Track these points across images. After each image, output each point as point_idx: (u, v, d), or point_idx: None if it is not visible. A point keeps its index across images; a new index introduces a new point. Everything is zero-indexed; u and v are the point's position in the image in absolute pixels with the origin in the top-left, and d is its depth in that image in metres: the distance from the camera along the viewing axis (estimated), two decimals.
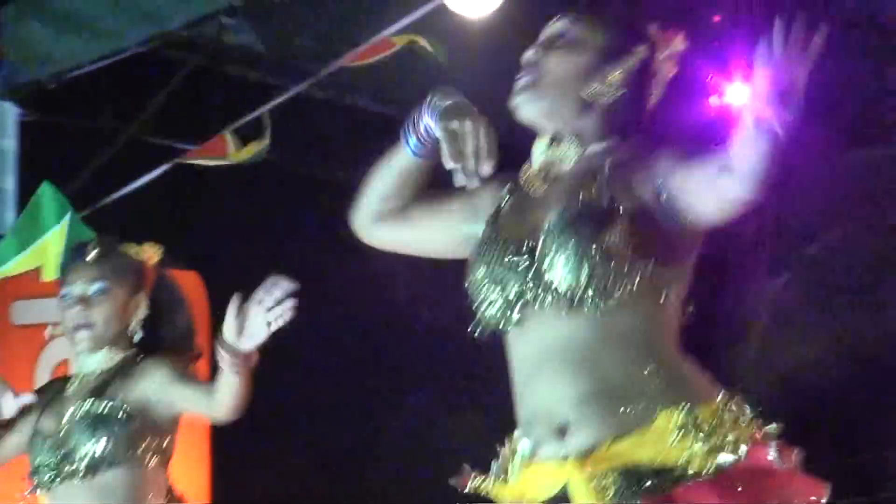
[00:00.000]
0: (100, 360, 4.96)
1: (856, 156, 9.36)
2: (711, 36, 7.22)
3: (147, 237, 5.23)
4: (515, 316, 3.10)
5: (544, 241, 3.08)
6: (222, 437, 7.81)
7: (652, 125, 3.31)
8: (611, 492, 2.94)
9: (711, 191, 2.98)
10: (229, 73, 8.30)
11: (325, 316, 8.18)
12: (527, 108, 3.23)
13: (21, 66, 7.92)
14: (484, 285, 3.16)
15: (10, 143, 8.00)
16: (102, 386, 4.93)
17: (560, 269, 3.03)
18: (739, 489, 2.86)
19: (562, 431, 3.02)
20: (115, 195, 7.65)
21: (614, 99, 3.21)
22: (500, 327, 3.16)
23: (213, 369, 4.90)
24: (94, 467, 4.81)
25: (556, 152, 3.24)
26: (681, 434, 2.92)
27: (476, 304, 3.20)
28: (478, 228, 3.31)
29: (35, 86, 7.90)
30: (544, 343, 3.08)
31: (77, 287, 4.91)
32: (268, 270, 8.23)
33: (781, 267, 12.55)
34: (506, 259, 3.12)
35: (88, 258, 4.96)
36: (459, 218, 3.39)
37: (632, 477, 2.93)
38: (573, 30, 3.27)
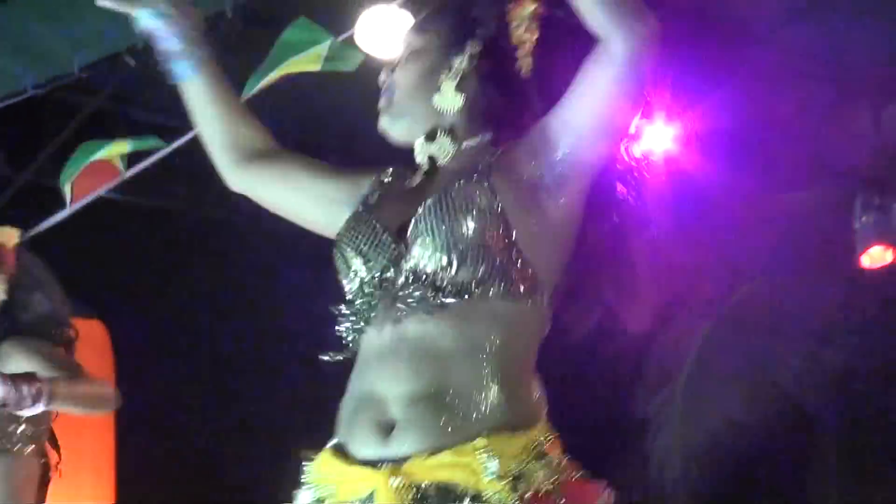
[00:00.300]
0: None
1: (787, 200, 9.22)
2: None
3: None
4: (375, 299, 3.02)
5: (414, 225, 3.00)
6: (128, 438, 7.93)
7: (530, 101, 3.19)
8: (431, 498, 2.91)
9: (593, 82, 2.89)
10: (132, 117, 8.09)
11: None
12: (391, 129, 3.21)
13: None
14: (350, 260, 3.10)
15: None
16: None
17: (425, 256, 2.96)
18: None
19: (387, 430, 2.93)
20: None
21: (475, 88, 3.15)
22: (361, 309, 3.05)
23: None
24: None
25: (432, 148, 3.18)
26: (493, 462, 2.81)
27: (341, 279, 3.14)
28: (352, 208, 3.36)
29: None
30: (395, 333, 2.98)
31: None
32: (173, 318, 8.18)
33: (708, 314, 12.64)
34: (374, 239, 3.06)
35: None
36: (337, 192, 3.31)
37: (444, 498, 2.86)
38: (414, 40, 3.25)
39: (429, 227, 2.99)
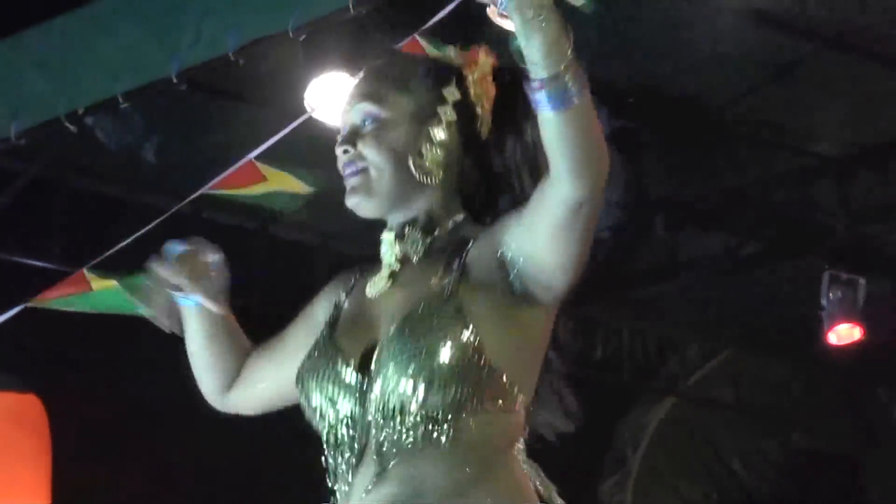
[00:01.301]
0: None
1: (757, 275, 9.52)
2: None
3: None
4: (346, 445, 2.89)
5: (377, 356, 2.86)
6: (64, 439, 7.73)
7: (490, 164, 3.08)
8: None
9: (547, 222, 2.76)
10: (72, 185, 8.09)
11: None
12: (364, 209, 3.01)
13: None
14: (315, 403, 2.94)
15: None
16: None
17: (389, 388, 2.82)
18: None
19: None
20: None
21: (455, 159, 2.98)
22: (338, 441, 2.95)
23: None
24: None
25: (402, 246, 2.98)
26: None
27: (311, 423, 3.05)
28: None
29: None
30: (376, 482, 2.83)
31: None
32: (111, 395, 7.93)
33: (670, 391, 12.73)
34: (337, 372, 2.92)
35: None
36: (303, 345, 3.12)
37: None
38: (376, 109, 3.02)
39: (394, 357, 2.85)
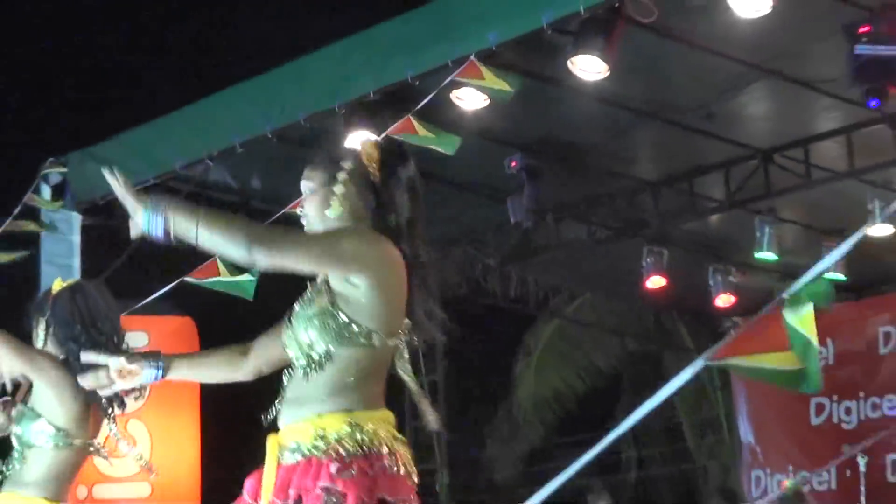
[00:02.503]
0: None
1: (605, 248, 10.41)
2: None
3: None
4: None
5: (294, 322, 3.50)
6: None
7: (383, 198, 3.59)
8: (288, 450, 3.46)
9: None
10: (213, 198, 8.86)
11: None
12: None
13: (80, 191, 9.06)
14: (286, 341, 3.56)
15: (76, 238, 9.15)
16: None
17: (301, 338, 3.51)
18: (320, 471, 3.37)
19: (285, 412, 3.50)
20: None
21: (351, 198, 3.56)
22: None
23: None
24: None
25: None
26: (319, 430, 3.41)
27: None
28: None
29: (91, 203, 8.97)
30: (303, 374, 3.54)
31: None
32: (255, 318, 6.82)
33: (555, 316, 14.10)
34: (287, 330, 3.56)
35: None
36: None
37: (297, 446, 3.43)
38: (308, 182, 3.61)
39: (300, 324, 3.53)
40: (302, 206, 3.61)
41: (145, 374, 3.64)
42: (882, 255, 10.05)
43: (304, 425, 3.40)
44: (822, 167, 9.00)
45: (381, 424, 3.43)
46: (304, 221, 3.60)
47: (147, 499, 8.88)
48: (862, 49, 7.06)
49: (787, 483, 10.03)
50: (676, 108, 8.44)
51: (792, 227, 9.93)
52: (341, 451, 3.36)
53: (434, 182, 9.34)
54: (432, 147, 7.06)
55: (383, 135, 7.10)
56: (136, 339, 8.78)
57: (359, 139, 4.06)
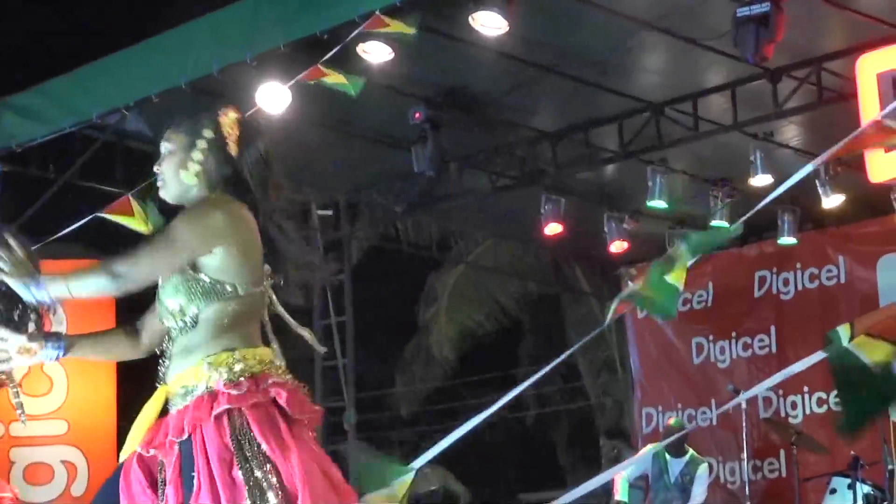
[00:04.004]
0: None
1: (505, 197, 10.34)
2: None
3: None
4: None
5: (161, 296, 3.64)
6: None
7: (240, 169, 3.68)
8: (178, 396, 3.57)
9: None
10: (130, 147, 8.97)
11: None
12: (166, 196, 3.75)
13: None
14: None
15: None
16: None
17: (172, 307, 3.64)
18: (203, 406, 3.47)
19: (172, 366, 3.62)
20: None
21: (208, 165, 3.66)
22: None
23: None
24: None
25: None
26: (206, 368, 3.57)
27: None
28: None
29: (7, 150, 8.82)
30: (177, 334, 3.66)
31: None
32: None
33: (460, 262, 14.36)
34: (159, 307, 3.70)
35: None
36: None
37: (187, 390, 3.56)
38: (168, 144, 3.70)
39: (163, 297, 3.66)
40: (159, 166, 3.70)
41: (45, 353, 3.63)
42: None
43: (191, 370, 3.54)
44: (709, 120, 9.20)
45: (263, 356, 3.58)
46: (159, 182, 3.70)
47: (63, 436, 8.83)
48: (743, 11, 7.38)
49: (672, 421, 10.20)
50: (573, 63, 8.57)
51: (681, 176, 10.14)
52: (230, 377, 3.49)
53: (342, 133, 9.47)
54: (339, 89, 7.17)
55: (293, 81, 7.26)
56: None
57: (219, 112, 3.79)
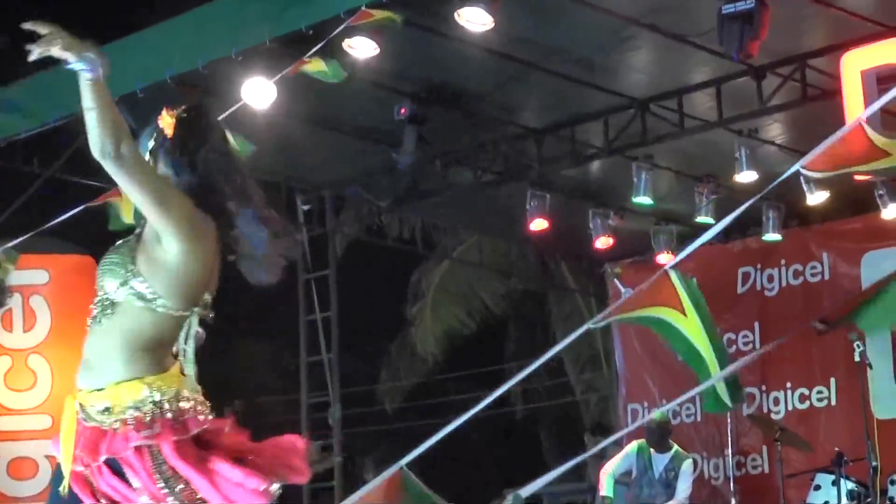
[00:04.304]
0: None
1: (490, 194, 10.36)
2: None
3: None
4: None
5: (99, 268, 3.49)
6: None
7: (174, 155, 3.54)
8: (92, 411, 3.46)
9: None
10: None
11: None
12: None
13: None
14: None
15: None
16: None
17: (100, 282, 3.50)
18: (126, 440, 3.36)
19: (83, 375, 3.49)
20: None
21: (157, 154, 3.51)
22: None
23: None
24: None
25: None
26: (105, 402, 3.43)
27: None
28: None
29: None
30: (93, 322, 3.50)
31: None
32: None
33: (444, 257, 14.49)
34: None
35: None
36: None
37: (103, 412, 3.43)
38: None
39: (99, 270, 3.50)
40: None
41: None
42: (747, 200, 10.24)
43: (104, 394, 3.45)
44: (694, 116, 9.22)
45: (173, 382, 3.48)
46: None
47: (48, 430, 8.73)
48: (728, 8, 7.39)
49: (655, 415, 10.23)
50: (559, 60, 8.56)
51: (667, 173, 10.15)
52: (143, 416, 3.40)
53: (328, 128, 9.44)
54: (320, 78, 7.06)
55: (279, 76, 7.22)
56: (37, 276, 8.87)
57: (159, 116, 3.66)
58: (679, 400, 8.97)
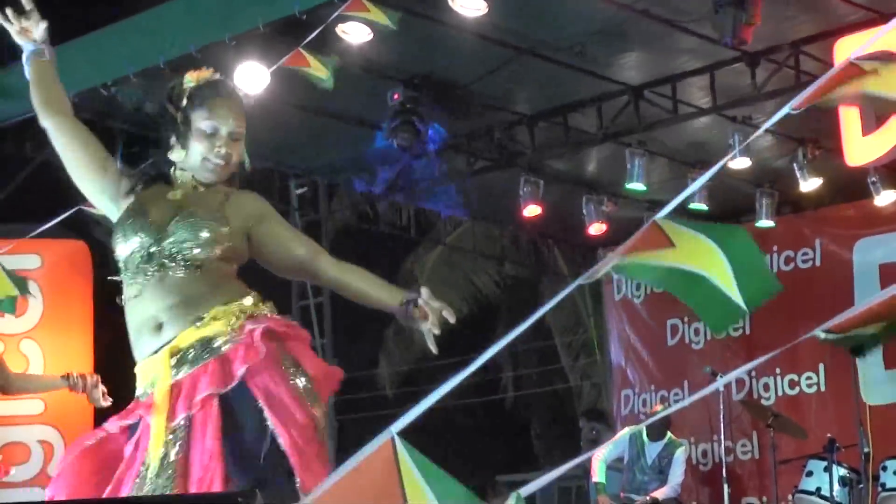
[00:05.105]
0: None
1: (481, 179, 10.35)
2: None
3: None
4: (144, 262, 3.52)
5: (175, 224, 3.51)
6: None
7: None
8: (190, 356, 3.44)
9: None
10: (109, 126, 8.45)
11: None
12: (220, 178, 3.68)
13: None
14: (128, 232, 3.53)
15: None
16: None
17: (178, 242, 3.51)
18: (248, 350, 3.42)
19: (158, 329, 3.49)
20: None
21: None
22: (139, 263, 3.52)
23: None
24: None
25: (192, 183, 3.65)
26: (222, 320, 3.48)
27: (115, 241, 3.55)
28: (112, 200, 3.65)
29: None
30: (154, 278, 3.51)
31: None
32: None
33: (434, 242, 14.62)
34: (146, 223, 3.55)
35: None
36: (103, 182, 3.66)
37: (204, 345, 3.46)
38: (241, 127, 3.65)
39: (184, 226, 3.51)
40: (220, 145, 3.60)
41: None
42: (740, 187, 10.30)
43: (199, 330, 3.49)
44: (687, 103, 9.19)
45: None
46: (217, 160, 3.60)
47: (40, 415, 8.77)
48: None
49: (658, 408, 10.51)
50: (553, 46, 8.50)
51: (660, 159, 10.11)
52: (245, 319, 3.53)
53: (320, 115, 9.38)
54: (313, 80, 7.19)
55: (275, 66, 7.24)
56: (29, 261, 8.81)
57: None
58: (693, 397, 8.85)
